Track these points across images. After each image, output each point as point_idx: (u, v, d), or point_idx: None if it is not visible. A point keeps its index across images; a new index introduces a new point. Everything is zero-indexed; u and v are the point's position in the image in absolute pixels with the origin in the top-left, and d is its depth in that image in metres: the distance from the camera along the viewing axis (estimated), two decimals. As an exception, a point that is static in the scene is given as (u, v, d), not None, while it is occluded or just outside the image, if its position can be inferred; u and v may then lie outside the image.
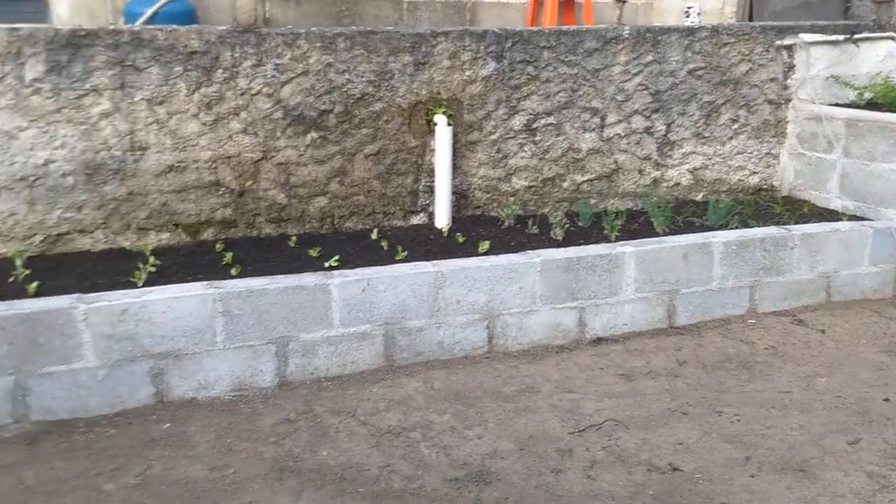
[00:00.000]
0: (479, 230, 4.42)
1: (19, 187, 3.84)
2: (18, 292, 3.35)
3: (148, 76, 3.94)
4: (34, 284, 3.33)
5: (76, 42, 3.82)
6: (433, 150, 4.47)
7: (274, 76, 4.16)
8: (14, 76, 3.74)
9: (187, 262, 3.88)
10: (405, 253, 3.92)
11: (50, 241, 3.95)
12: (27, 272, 3.52)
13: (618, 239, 4.24)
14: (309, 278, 3.52)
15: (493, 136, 4.62)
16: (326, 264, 3.74)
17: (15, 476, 2.82)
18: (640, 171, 4.99)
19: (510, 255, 3.89)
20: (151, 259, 3.71)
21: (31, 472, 2.84)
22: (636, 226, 4.56)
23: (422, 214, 4.61)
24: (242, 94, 4.12)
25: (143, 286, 3.45)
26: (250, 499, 2.73)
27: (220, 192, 4.20)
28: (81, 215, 3.98)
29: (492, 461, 2.96)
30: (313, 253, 3.93)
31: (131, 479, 2.82)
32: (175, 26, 4.05)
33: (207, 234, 4.24)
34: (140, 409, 3.27)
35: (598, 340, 3.94)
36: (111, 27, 4.10)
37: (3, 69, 3.71)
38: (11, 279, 3.49)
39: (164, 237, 4.16)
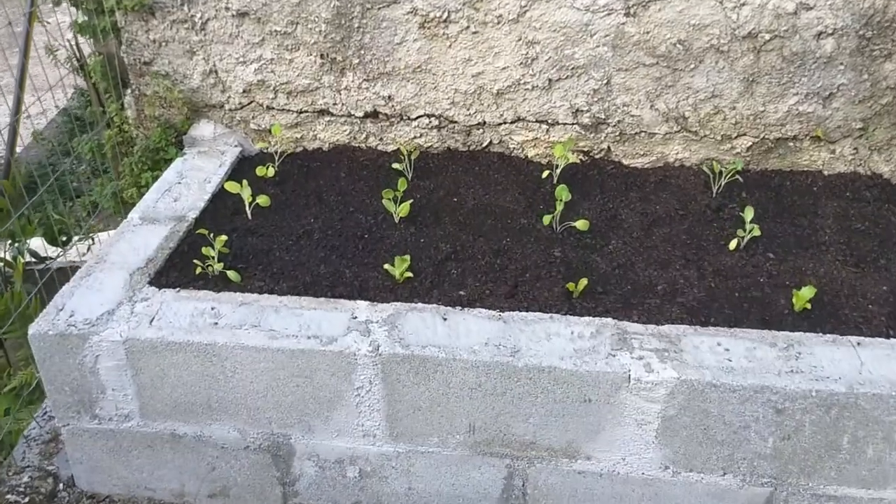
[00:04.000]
0: None
1: (739, 51, 2.15)
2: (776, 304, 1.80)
3: None
4: (807, 292, 1.72)
5: None
6: None
7: None
8: None
9: None
10: None
11: (761, 150, 2.29)
12: (754, 232, 1.94)
13: None
14: None
15: None
16: None
17: None
18: None
19: None
20: None
21: None
22: None
23: None
24: None
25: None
26: None
27: None
28: (827, 111, 2.20)
29: None
30: None
31: None
32: None
33: None
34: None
35: None
36: None
37: None
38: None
39: (956, 164, 2.24)
